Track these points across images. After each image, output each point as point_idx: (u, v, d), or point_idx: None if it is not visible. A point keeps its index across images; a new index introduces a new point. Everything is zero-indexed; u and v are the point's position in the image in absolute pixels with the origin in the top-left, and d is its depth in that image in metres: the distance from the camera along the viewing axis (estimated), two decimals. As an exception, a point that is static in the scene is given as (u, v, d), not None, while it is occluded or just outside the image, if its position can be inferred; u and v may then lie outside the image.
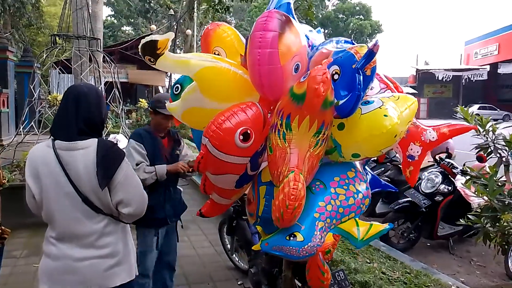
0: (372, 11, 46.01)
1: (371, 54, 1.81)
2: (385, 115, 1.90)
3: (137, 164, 2.73)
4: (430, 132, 2.25)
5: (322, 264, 2.13)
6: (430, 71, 33.19)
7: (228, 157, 1.86)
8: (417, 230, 4.96)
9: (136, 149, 2.83)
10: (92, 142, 1.85)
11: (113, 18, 39.47)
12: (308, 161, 1.81)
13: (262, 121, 1.93)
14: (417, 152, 2.22)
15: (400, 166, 2.63)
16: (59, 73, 9.69)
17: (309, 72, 1.73)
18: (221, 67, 2.03)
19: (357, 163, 2.22)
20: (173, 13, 24.28)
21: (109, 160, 1.84)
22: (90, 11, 7.33)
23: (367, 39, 42.15)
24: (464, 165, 4.81)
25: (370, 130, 1.90)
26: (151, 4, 33.87)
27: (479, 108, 27.66)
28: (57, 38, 6.73)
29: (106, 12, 38.75)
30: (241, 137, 1.83)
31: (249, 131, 1.84)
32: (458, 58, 37.36)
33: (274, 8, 2.16)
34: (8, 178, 5.28)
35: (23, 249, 4.60)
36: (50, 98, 8.32)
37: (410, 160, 2.25)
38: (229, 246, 4.24)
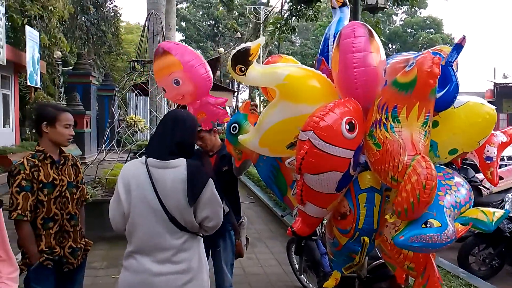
0: (444, 24, 44.21)
1: (459, 47, 1.91)
2: (482, 103, 2.06)
3: None
4: (499, 135, 2.39)
5: (438, 272, 2.02)
6: (510, 85, 30.79)
7: (334, 149, 1.80)
8: (500, 256, 4.58)
9: None
10: (182, 162, 1.94)
11: (184, 43, 41.68)
12: (423, 148, 1.77)
13: (362, 113, 1.94)
14: (494, 153, 2.29)
15: (480, 187, 2.60)
16: (136, 95, 10.39)
17: (415, 61, 1.77)
18: (306, 69, 2.13)
19: None
20: (240, 35, 25.15)
21: (197, 179, 1.92)
22: (164, 38, 7.84)
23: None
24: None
25: (470, 118, 2.01)
26: (219, 28, 35.38)
27: None
28: (135, 63, 7.26)
29: (178, 37, 41.16)
30: (347, 127, 1.81)
31: (353, 121, 1.84)
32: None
33: (335, 29, 2.36)
34: (91, 193, 5.69)
35: (103, 261, 4.82)
36: (128, 119, 8.90)
37: (489, 162, 2.31)
38: (297, 266, 4.16)
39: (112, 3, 24.69)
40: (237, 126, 2.48)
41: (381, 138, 1.81)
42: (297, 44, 42.11)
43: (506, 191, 5.28)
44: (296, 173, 1.88)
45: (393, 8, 43.39)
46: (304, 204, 2.04)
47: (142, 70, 7.21)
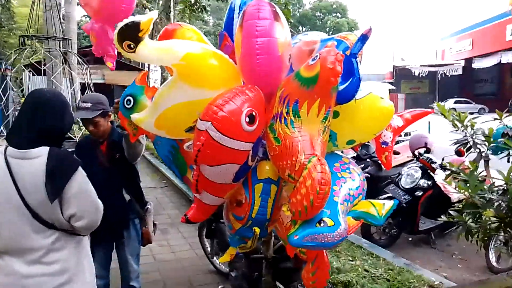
0: (349, 9, 47.34)
1: (364, 38, 1.85)
2: (381, 97, 2.07)
3: None
4: (396, 119, 2.45)
5: (328, 261, 2.06)
6: (407, 67, 33.72)
7: (233, 142, 1.71)
8: (398, 225, 4.96)
9: None
10: (43, 151, 1.71)
11: (89, 19, 38.79)
12: (320, 148, 1.75)
13: (263, 103, 1.84)
14: (389, 137, 2.36)
15: (380, 162, 2.73)
16: (32, 75, 9.40)
17: (318, 54, 1.69)
18: (208, 49, 1.94)
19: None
20: (149, 12, 23.96)
21: (60, 170, 1.71)
22: (63, 12, 7.10)
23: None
24: (443, 160, 4.84)
25: (370, 112, 2.03)
26: (128, 4, 33.32)
27: (455, 103, 28.29)
28: (25, 39, 6.49)
29: (81, 12, 38.20)
30: (247, 119, 1.71)
31: (254, 113, 1.74)
32: (433, 54, 38.11)
33: (240, 3, 2.19)
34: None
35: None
36: (22, 101, 8.03)
37: (384, 146, 2.39)
38: (209, 249, 4.15)
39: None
40: (132, 100, 2.23)
41: (281, 133, 1.75)
42: (211, 24, 41.51)
43: (403, 165, 5.71)
44: (192, 163, 1.77)
45: (303, -10, 44.69)
46: (199, 193, 1.96)
47: (35, 46, 6.47)
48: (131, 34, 1.73)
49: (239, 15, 1.98)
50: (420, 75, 33.08)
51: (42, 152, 1.71)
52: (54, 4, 7.02)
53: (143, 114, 2.02)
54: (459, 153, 3.89)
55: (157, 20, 23.12)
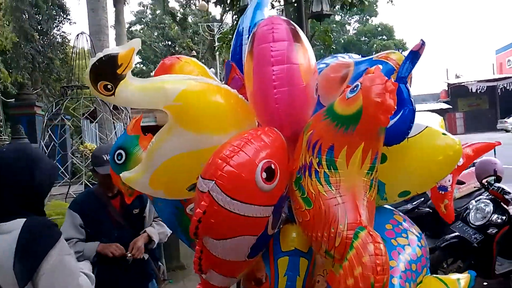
0: (395, 30, 46.67)
1: (415, 56, 1.42)
2: (443, 134, 1.58)
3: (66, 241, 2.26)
4: None
5: None
6: (463, 84, 32.09)
7: (245, 208, 1.26)
8: (471, 269, 4.19)
9: (68, 221, 2.41)
10: (17, 224, 1.43)
11: (142, 65, 41.13)
12: (367, 212, 1.28)
13: (286, 151, 1.40)
14: (449, 181, 1.87)
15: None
16: (90, 122, 9.73)
17: (359, 83, 1.26)
18: (208, 84, 1.54)
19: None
20: (195, 53, 24.85)
21: (33, 249, 1.42)
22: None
23: (393, 58, 42.10)
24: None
25: (429, 153, 1.54)
26: (176, 48, 35.02)
27: (519, 117, 26.28)
28: (66, 90, 6.64)
29: (135, 60, 40.93)
30: (264, 175, 1.26)
31: (273, 165, 1.28)
32: (490, 68, 36.01)
33: (249, 25, 1.77)
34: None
35: None
36: (82, 148, 8.28)
37: (442, 192, 1.88)
38: None
39: (59, 29, 23.72)
40: (123, 153, 1.86)
41: (312, 192, 1.29)
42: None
43: (469, 195, 4.98)
44: (191, 237, 1.33)
45: (346, 18, 44.72)
46: (204, 273, 1.47)
47: (74, 95, 6.62)
48: (107, 71, 1.35)
49: (248, 40, 1.57)
50: (478, 91, 31.22)
51: (15, 226, 1.43)
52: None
53: (134, 171, 1.60)
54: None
55: (203, 60, 23.98)
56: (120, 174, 1.65)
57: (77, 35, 6.85)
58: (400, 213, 1.68)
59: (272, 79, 1.37)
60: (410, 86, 1.50)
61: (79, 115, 7.50)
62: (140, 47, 1.45)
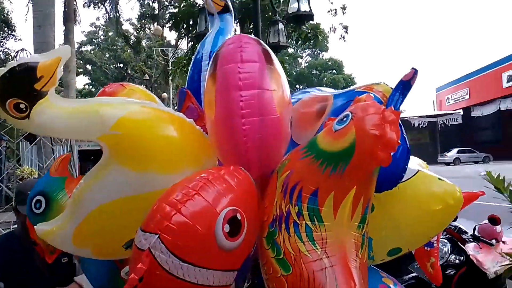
0: (344, 65, 48.91)
1: (406, 86, 1.20)
2: (439, 179, 1.35)
3: None
4: None
5: None
6: (406, 118, 33.72)
7: (200, 274, 0.95)
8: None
9: None
10: None
11: (91, 87, 39.88)
12: (360, 277, 1.01)
13: (255, 196, 1.11)
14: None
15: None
16: (30, 143, 8.93)
17: (349, 112, 1.02)
18: (157, 110, 1.24)
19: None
20: (148, 77, 24.34)
21: None
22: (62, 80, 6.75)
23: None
24: (475, 229, 4.04)
25: (426, 203, 1.31)
26: (128, 71, 34.27)
27: (458, 152, 28.08)
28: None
29: (83, 81, 39.48)
30: (227, 228, 0.95)
31: (239, 215, 0.99)
32: (431, 104, 38.51)
33: (210, 51, 1.57)
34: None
35: None
36: (19, 173, 7.50)
37: (428, 249, 1.67)
38: None
39: (2, 45, 22.56)
40: (43, 200, 1.49)
41: (291, 253, 1.00)
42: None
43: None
44: None
45: (298, 51, 46.46)
46: None
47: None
48: (20, 86, 1.02)
49: (207, 67, 1.30)
50: (420, 126, 32.97)
51: None
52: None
53: (53, 222, 1.22)
54: (493, 220, 3.18)
55: (155, 85, 23.43)
56: (36, 228, 1.26)
57: (17, 51, 6.29)
58: (389, 276, 1.43)
59: (239, 106, 1.11)
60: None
61: (16, 136, 6.84)
62: (69, 56, 1.13)
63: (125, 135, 1.13)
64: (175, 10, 10.31)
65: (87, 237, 1.20)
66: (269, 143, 1.15)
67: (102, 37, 38.81)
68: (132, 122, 1.14)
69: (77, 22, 16.10)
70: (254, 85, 1.13)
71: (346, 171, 0.98)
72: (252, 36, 1.32)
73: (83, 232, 1.18)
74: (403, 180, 1.24)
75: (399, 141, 1.13)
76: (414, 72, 1.20)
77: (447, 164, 27.14)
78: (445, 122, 32.17)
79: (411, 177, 1.30)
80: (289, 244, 1.00)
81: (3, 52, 22.83)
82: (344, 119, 1.01)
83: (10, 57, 22.51)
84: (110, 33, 35.23)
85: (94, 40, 38.81)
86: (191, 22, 9.05)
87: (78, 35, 43.31)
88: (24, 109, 1.04)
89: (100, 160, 1.17)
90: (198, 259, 0.94)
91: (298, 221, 1.00)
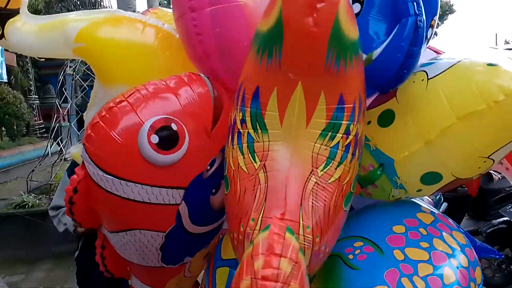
0: None
1: None
2: (489, 64, 0.87)
3: (57, 208, 1.87)
4: None
5: None
6: (513, 50, 29.59)
7: (129, 188, 0.86)
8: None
9: (61, 187, 1.95)
10: None
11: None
12: (318, 200, 0.79)
13: (210, 107, 0.93)
14: None
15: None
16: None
17: None
18: (123, 17, 1.15)
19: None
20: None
21: None
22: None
23: (439, 22, 39.13)
24: None
25: (469, 101, 0.85)
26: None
27: None
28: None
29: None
30: (155, 138, 0.83)
31: (175, 125, 0.84)
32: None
33: None
34: (32, 202, 4.85)
35: (40, 285, 3.97)
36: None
37: None
38: None
39: (92, -13, 23.78)
40: None
41: (231, 168, 0.85)
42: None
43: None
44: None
45: None
46: (117, 277, 1.09)
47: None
48: None
49: None
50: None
51: None
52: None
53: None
54: None
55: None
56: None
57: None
58: (433, 209, 1.09)
59: None
60: (431, 34, 0.98)
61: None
62: None
63: (90, 46, 1.08)
64: None
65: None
66: (232, 40, 0.93)
67: None
68: (95, 32, 1.07)
69: None
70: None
71: (283, 59, 0.74)
72: None
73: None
74: (438, 73, 0.91)
75: (405, 13, 0.82)
76: None
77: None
78: None
79: (450, 67, 0.92)
80: (231, 158, 0.85)
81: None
82: None
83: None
84: None
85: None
86: None
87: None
88: (-2, 30, 1.07)
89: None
90: (122, 172, 0.84)
91: (241, 130, 0.82)
